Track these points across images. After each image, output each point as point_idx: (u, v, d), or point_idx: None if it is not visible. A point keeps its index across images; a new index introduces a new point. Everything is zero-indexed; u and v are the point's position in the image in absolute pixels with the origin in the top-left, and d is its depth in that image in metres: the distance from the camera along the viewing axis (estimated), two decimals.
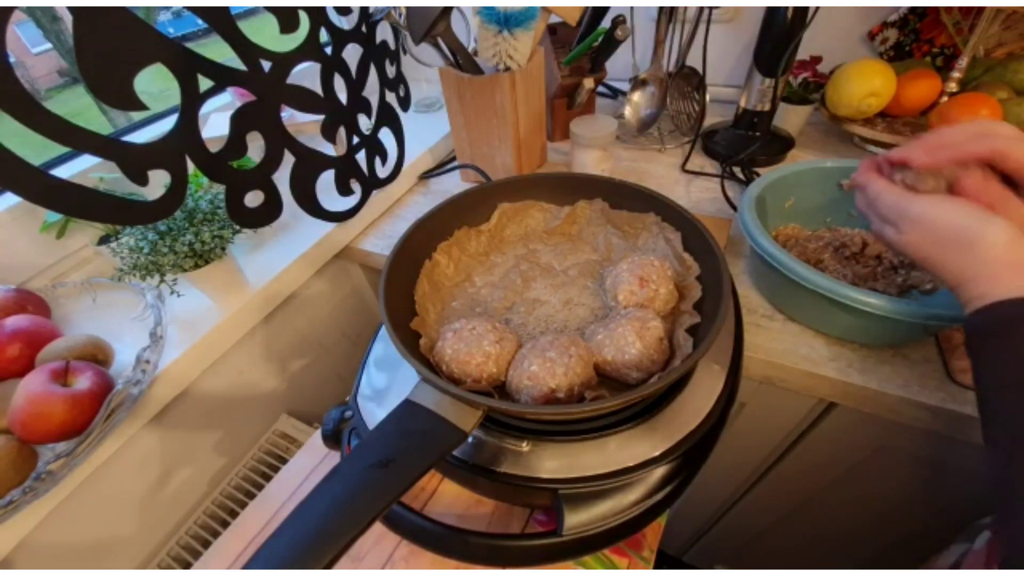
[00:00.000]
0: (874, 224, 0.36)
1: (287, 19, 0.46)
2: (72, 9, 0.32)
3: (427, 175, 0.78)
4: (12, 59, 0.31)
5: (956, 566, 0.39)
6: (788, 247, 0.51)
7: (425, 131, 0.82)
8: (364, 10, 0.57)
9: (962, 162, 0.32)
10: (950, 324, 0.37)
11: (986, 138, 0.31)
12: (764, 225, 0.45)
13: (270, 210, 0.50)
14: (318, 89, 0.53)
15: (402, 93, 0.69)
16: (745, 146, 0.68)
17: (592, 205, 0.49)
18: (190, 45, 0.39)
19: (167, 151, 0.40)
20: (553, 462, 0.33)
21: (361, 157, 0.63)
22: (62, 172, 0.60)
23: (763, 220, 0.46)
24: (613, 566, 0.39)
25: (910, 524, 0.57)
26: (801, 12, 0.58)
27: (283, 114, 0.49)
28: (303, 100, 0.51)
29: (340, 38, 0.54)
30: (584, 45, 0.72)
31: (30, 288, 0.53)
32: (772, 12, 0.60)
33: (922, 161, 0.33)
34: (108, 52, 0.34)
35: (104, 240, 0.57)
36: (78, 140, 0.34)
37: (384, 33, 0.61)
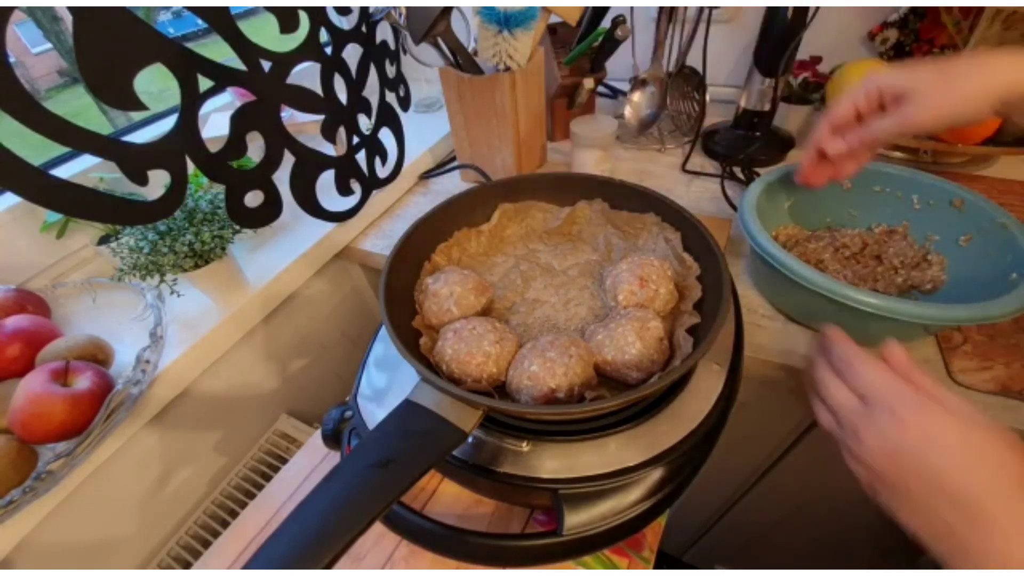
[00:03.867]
0: (830, 391, 0.30)
1: (287, 19, 0.46)
2: (72, 9, 0.32)
3: (427, 175, 0.78)
4: (12, 59, 0.31)
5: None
6: (788, 247, 0.51)
7: (425, 131, 0.82)
8: (364, 10, 0.57)
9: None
10: (950, 324, 0.37)
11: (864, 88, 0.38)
12: (764, 225, 0.45)
13: (270, 210, 0.50)
14: (318, 89, 0.53)
15: (402, 93, 0.69)
16: (745, 146, 0.68)
17: (592, 205, 0.49)
18: (190, 45, 0.39)
19: (167, 151, 0.40)
20: (553, 462, 0.33)
21: (361, 157, 0.63)
22: (62, 172, 0.60)
23: (763, 220, 0.46)
24: (613, 566, 0.39)
25: None
26: (801, 12, 0.58)
27: (283, 114, 0.49)
28: (303, 100, 0.51)
29: (340, 38, 0.54)
30: (584, 45, 0.72)
31: (30, 288, 0.53)
32: (772, 12, 0.60)
33: (838, 148, 0.38)
34: (108, 52, 0.34)
35: (104, 240, 0.57)
36: (78, 140, 0.34)
37: (384, 33, 0.61)
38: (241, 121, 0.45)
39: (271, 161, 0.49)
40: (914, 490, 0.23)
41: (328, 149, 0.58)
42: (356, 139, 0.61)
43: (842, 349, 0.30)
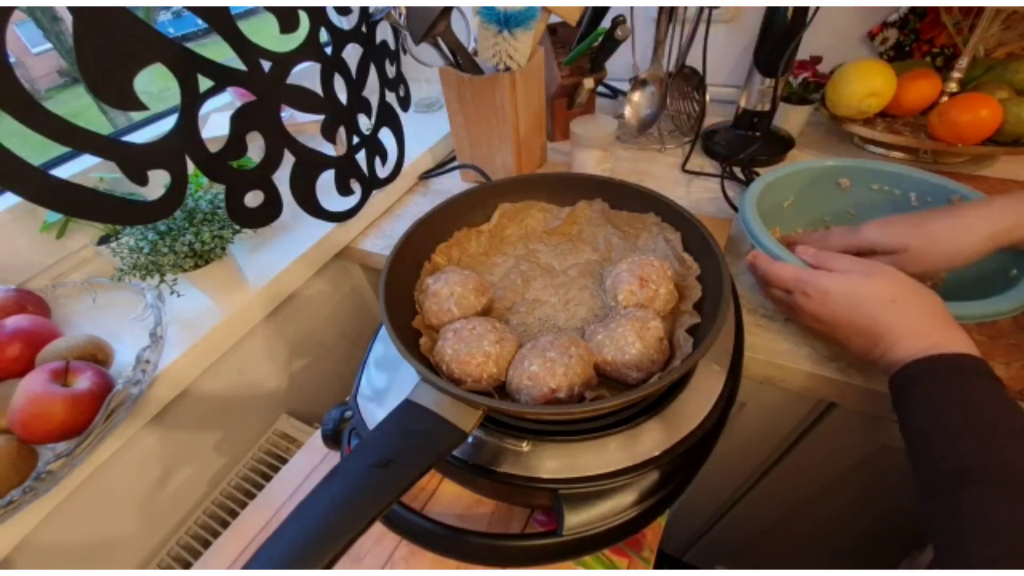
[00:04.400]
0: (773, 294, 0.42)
1: (287, 19, 0.46)
2: (72, 9, 0.32)
3: (427, 175, 0.78)
4: (12, 59, 0.31)
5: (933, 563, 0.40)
6: (789, 247, 0.51)
7: (425, 131, 0.82)
8: (364, 10, 0.57)
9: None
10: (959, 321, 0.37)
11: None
12: (764, 225, 0.45)
13: (270, 210, 0.50)
14: (318, 89, 0.53)
15: (402, 93, 0.69)
16: (745, 146, 0.68)
17: (592, 205, 0.49)
18: (190, 45, 0.39)
19: (167, 151, 0.40)
20: (553, 462, 0.33)
21: (361, 157, 0.63)
22: (62, 172, 0.60)
23: (764, 220, 0.46)
24: (613, 566, 0.39)
25: (910, 523, 0.57)
26: (801, 12, 0.58)
27: (283, 114, 0.49)
28: (303, 100, 0.51)
29: (340, 38, 0.54)
30: (584, 45, 0.72)
31: (30, 288, 0.53)
32: (772, 12, 0.60)
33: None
34: (108, 52, 0.34)
35: (104, 240, 0.57)
36: (78, 140, 0.34)
37: (384, 33, 0.61)
38: (241, 121, 0.45)
39: (271, 161, 0.49)
40: (837, 334, 0.37)
41: (328, 149, 0.58)
42: (356, 139, 0.61)
43: (760, 264, 0.42)
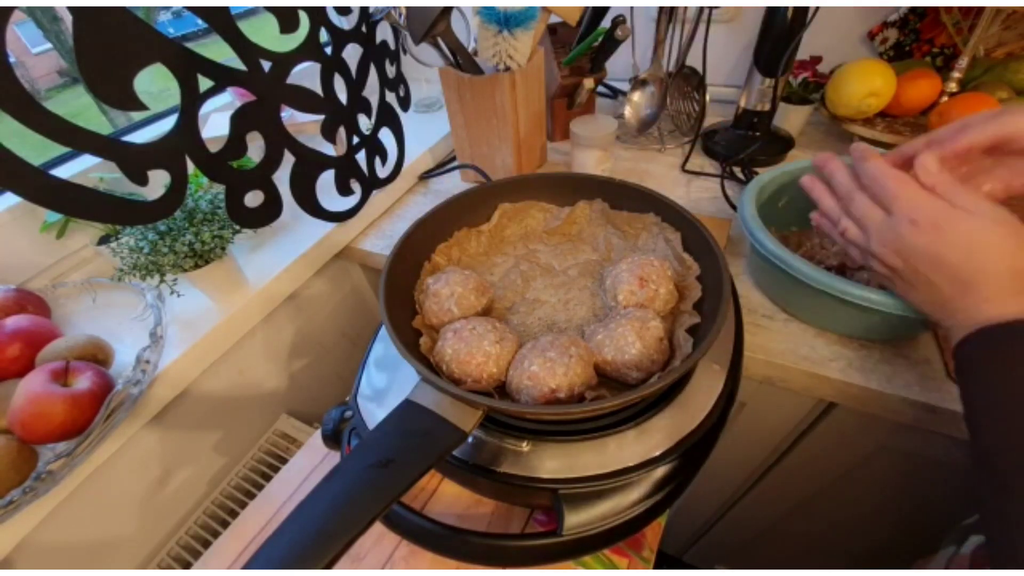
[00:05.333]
0: (858, 206, 0.34)
1: (287, 19, 0.46)
2: (72, 9, 0.32)
3: (427, 175, 0.78)
4: (12, 59, 0.31)
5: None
6: (789, 245, 0.51)
7: (425, 131, 0.82)
8: (364, 10, 0.57)
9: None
10: None
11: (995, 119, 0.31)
12: (764, 224, 0.45)
13: (270, 210, 0.50)
14: (318, 89, 0.53)
15: (402, 93, 0.69)
16: (745, 146, 0.68)
17: (592, 205, 0.49)
18: (190, 45, 0.39)
19: (167, 151, 0.40)
20: (553, 462, 0.33)
21: (361, 157, 0.63)
22: (62, 172, 0.60)
23: (763, 219, 0.46)
24: (613, 566, 0.39)
25: (909, 523, 0.57)
26: (801, 12, 0.58)
27: (283, 114, 0.49)
28: (303, 100, 0.51)
29: (340, 38, 0.54)
30: (584, 45, 0.72)
31: (30, 288, 0.53)
32: (772, 12, 0.60)
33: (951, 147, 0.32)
34: (108, 52, 0.34)
35: (104, 240, 0.57)
36: (78, 140, 0.34)
37: (384, 33, 0.61)
38: (241, 121, 0.45)
39: (271, 161, 0.49)
40: (922, 274, 0.31)
41: (328, 149, 0.58)
42: (356, 139, 0.61)
43: (871, 166, 0.33)
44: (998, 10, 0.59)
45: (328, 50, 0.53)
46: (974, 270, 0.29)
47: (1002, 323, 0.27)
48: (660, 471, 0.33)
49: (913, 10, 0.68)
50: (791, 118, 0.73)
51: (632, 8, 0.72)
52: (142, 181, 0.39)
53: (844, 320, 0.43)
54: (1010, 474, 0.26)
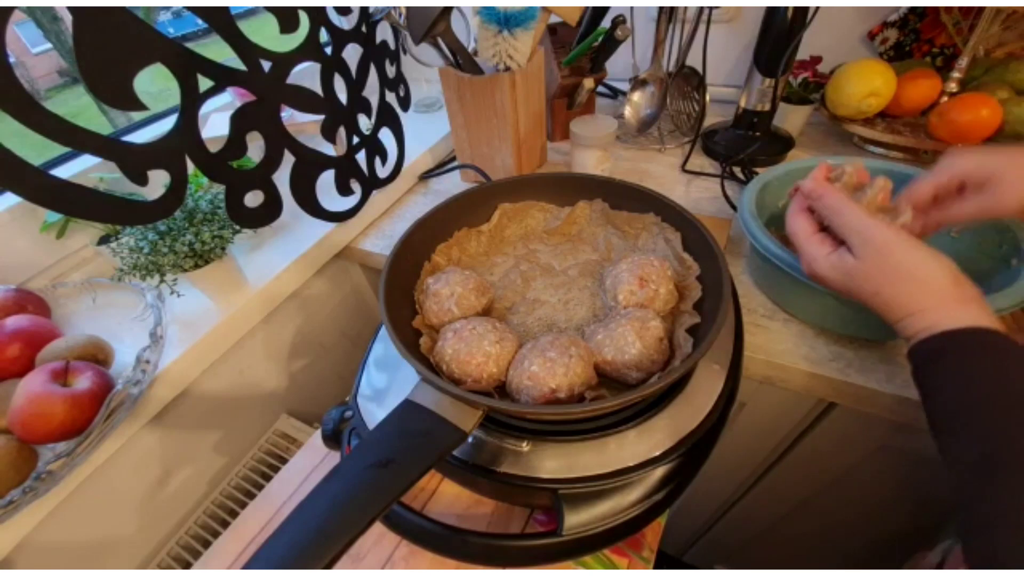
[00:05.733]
0: (811, 251, 0.36)
1: (287, 19, 0.46)
2: (72, 9, 0.32)
3: (427, 175, 0.78)
4: (12, 59, 0.31)
5: (941, 564, 0.39)
6: (790, 245, 0.51)
7: (425, 131, 0.82)
8: (364, 10, 0.57)
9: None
10: None
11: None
12: (764, 224, 0.45)
13: (270, 210, 0.50)
14: (318, 89, 0.53)
15: (402, 93, 0.69)
16: (745, 146, 0.68)
17: (592, 205, 0.49)
18: (190, 45, 0.39)
19: (167, 151, 0.40)
20: (553, 462, 0.33)
21: (361, 157, 0.63)
22: (62, 172, 0.60)
23: (763, 219, 0.46)
24: (613, 566, 0.39)
25: (909, 522, 0.57)
26: (801, 12, 0.58)
27: (283, 114, 0.49)
28: (303, 100, 0.51)
29: (340, 38, 0.54)
30: (584, 45, 0.72)
31: (30, 288, 0.53)
32: (772, 12, 0.60)
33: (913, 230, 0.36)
34: (108, 52, 0.34)
35: (104, 240, 0.57)
36: (78, 140, 0.34)
37: (384, 33, 0.61)
38: (241, 121, 0.45)
39: (271, 161, 0.49)
40: (885, 285, 0.32)
41: (328, 149, 0.58)
42: (356, 139, 0.61)
43: (829, 201, 0.36)
44: (998, 10, 0.59)
45: (328, 50, 0.53)
46: (922, 279, 0.31)
47: (948, 331, 0.29)
48: (660, 471, 0.33)
49: (913, 10, 0.68)
50: (791, 118, 0.73)
51: (632, 8, 0.73)
52: (142, 181, 0.39)
53: (843, 319, 0.43)
54: (968, 473, 0.27)
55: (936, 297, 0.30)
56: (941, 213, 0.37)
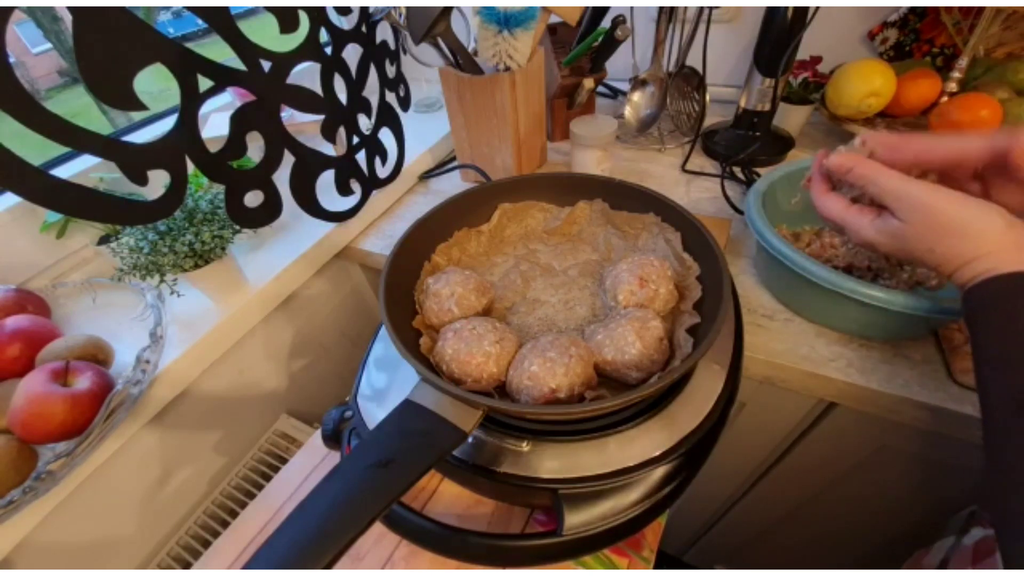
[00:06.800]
0: (854, 221, 0.36)
1: (287, 19, 0.46)
2: (72, 9, 0.32)
3: (427, 175, 0.78)
4: (12, 59, 0.31)
5: (944, 562, 0.39)
6: (798, 243, 0.52)
7: (425, 131, 0.82)
8: (364, 10, 0.57)
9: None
10: (955, 318, 0.38)
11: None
12: (772, 222, 0.45)
13: (270, 210, 0.50)
14: (318, 89, 0.53)
15: (402, 93, 0.69)
16: (745, 146, 0.68)
17: (592, 205, 0.49)
18: (190, 45, 0.39)
19: (167, 151, 0.40)
20: (553, 462, 0.33)
21: (361, 157, 0.63)
22: (62, 172, 0.60)
23: (771, 217, 0.46)
24: (613, 566, 0.39)
25: (909, 522, 0.57)
26: (801, 12, 0.58)
27: (283, 114, 0.49)
28: (303, 100, 0.51)
29: (340, 38, 0.54)
30: (584, 45, 0.72)
31: (30, 288, 0.53)
32: (772, 12, 0.60)
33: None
34: (108, 52, 0.34)
35: (104, 240, 0.57)
36: (78, 140, 0.34)
37: (384, 33, 0.61)
38: (241, 121, 0.45)
39: (271, 161, 0.49)
40: (938, 242, 0.31)
41: (328, 149, 0.58)
42: (356, 139, 0.61)
43: (862, 170, 0.35)
44: (998, 10, 0.59)
45: (328, 50, 0.53)
46: (976, 230, 0.31)
47: (1006, 274, 0.29)
48: (660, 471, 0.33)
49: (913, 10, 0.68)
50: (791, 118, 0.73)
51: (632, 8, 0.73)
52: (142, 181, 0.39)
53: (850, 318, 0.43)
54: (1005, 412, 0.27)
55: (992, 244, 0.30)
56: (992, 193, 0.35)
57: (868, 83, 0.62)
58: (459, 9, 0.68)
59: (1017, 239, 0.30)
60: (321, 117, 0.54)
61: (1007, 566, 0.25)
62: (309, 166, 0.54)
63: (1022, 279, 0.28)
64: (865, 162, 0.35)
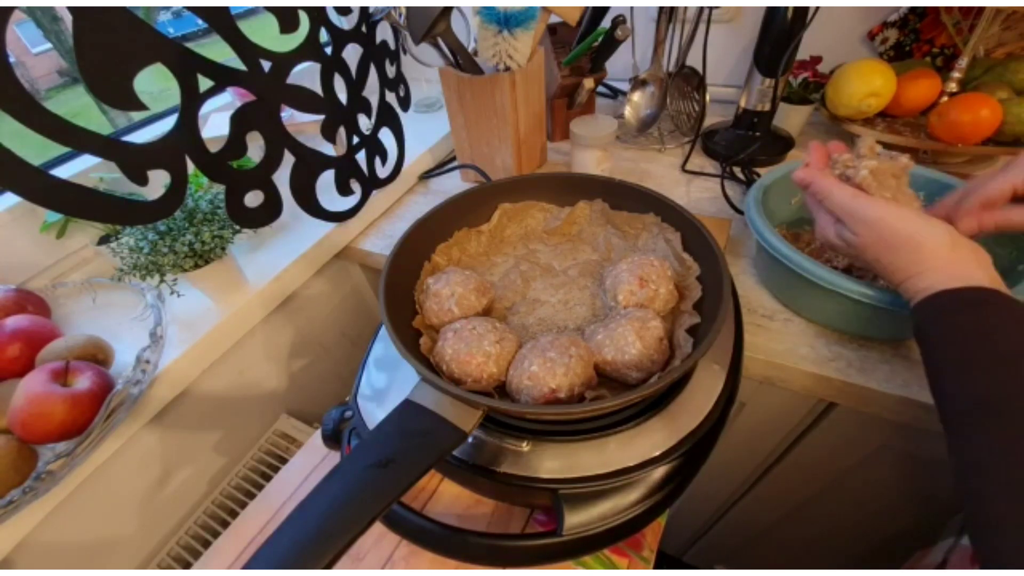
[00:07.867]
0: (821, 223, 0.39)
1: (287, 19, 0.46)
2: (72, 9, 0.32)
3: (427, 175, 0.78)
4: (12, 59, 0.31)
5: (944, 563, 0.39)
6: (798, 243, 0.52)
7: (425, 131, 0.82)
8: (364, 10, 0.57)
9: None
10: None
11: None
12: (772, 222, 0.45)
13: (270, 210, 0.50)
14: (318, 89, 0.53)
15: (402, 93, 0.69)
16: (745, 146, 0.68)
17: (592, 205, 0.49)
18: (190, 45, 0.39)
19: (167, 151, 0.40)
20: (553, 462, 0.33)
21: (361, 157, 0.63)
22: (62, 172, 0.60)
23: (771, 217, 0.46)
24: (613, 566, 0.39)
25: (909, 522, 0.57)
26: (801, 12, 0.58)
27: (283, 114, 0.49)
28: (303, 100, 0.51)
29: (340, 38, 0.54)
30: (584, 45, 0.72)
31: (30, 288, 0.53)
32: (772, 12, 0.60)
33: (970, 228, 0.36)
34: (108, 52, 0.34)
35: (104, 240, 0.57)
36: (78, 140, 0.34)
37: (384, 33, 0.61)
38: (241, 121, 0.45)
39: (271, 161, 0.49)
40: (883, 253, 0.34)
41: (328, 149, 0.58)
42: (356, 139, 0.61)
43: (816, 187, 0.38)
44: (998, 10, 0.59)
45: (328, 50, 0.53)
46: (917, 244, 0.33)
47: (944, 291, 0.31)
48: (660, 471, 0.33)
49: (913, 10, 0.68)
50: (791, 118, 0.73)
51: (632, 8, 0.73)
52: (142, 181, 0.39)
53: (850, 318, 0.44)
54: (959, 421, 0.29)
55: (933, 260, 0.32)
56: (1002, 216, 0.36)
57: (868, 83, 0.62)
58: (459, 9, 0.68)
59: (957, 256, 0.32)
60: (321, 117, 0.54)
61: (983, 566, 0.26)
62: (309, 166, 0.54)
63: (964, 294, 0.30)
64: (821, 179, 0.37)
